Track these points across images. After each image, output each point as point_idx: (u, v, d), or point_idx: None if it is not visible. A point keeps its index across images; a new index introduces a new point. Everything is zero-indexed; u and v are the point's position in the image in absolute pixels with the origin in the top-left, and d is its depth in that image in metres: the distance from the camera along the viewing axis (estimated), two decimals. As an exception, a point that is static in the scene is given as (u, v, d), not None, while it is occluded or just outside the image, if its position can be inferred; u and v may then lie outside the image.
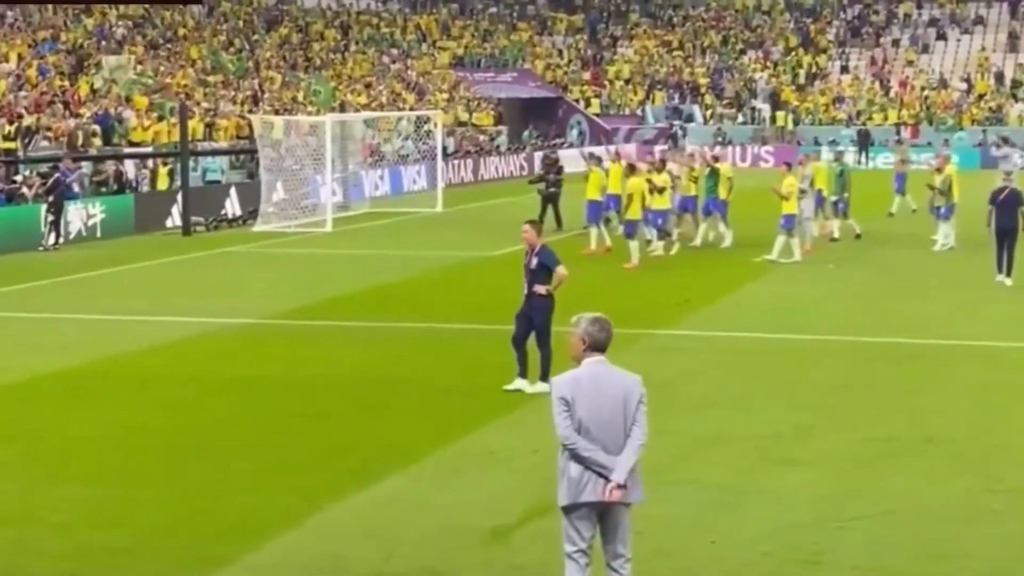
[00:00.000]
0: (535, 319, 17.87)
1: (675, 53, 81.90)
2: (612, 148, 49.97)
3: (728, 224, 34.63)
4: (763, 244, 33.84)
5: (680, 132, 73.09)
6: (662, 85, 79.08)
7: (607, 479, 9.18)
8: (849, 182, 36.19)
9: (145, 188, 43.10)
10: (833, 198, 35.56)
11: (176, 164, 43.09)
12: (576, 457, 9.20)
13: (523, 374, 18.05)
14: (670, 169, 33.67)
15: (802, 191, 32.72)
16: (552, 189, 38.90)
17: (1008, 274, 28.06)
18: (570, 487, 9.26)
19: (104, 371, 20.20)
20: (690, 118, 76.24)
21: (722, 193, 34.44)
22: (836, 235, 35.51)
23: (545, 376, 17.24)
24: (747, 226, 35.84)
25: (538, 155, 66.15)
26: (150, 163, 44.24)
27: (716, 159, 34.64)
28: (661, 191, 32.10)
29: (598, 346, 9.37)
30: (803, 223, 32.84)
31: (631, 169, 33.22)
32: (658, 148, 50.14)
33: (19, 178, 38.55)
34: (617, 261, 31.46)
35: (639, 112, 77.28)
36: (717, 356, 21.20)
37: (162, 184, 42.86)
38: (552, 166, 40.03)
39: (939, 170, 34.08)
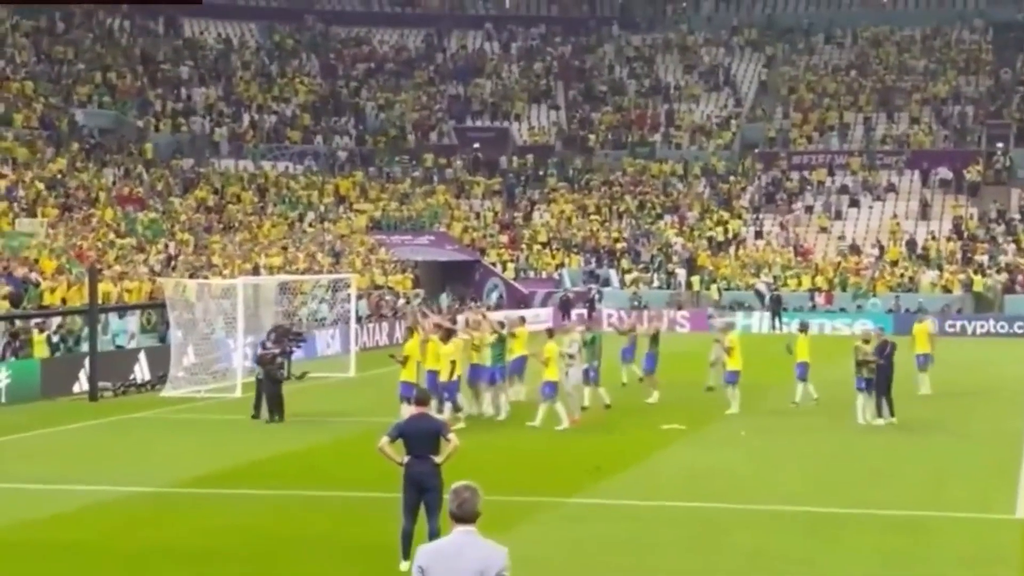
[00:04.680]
0: None
1: (592, 217, 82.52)
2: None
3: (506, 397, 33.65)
4: (673, 409, 33.84)
5: (598, 296, 73.30)
6: (579, 249, 79.56)
7: None
8: (600, 350, 35.03)
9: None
10: (584, 366, 33.61)
11: (51, 332, 42.24)
12: None
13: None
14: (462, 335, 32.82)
15: (570, 356, 31.98)
16: (283, 371, 35.15)
17: (892, 414, 32.00)
18: None
19: (5, 541, 19.64)
20: (607, 282, 76.55)
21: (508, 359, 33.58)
22: (586, 403, 33.85)
23: None
24: (664, 391, 35.91)
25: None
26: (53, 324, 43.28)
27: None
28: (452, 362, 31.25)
29: (457, 517, 9.34)
30: (571, 391, 31.97)
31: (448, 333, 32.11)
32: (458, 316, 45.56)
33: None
34: (514, 427, 31.20)
35: (556, 276, 77.49)
36: (631, 525, 20.91)
37: (39, 351, 41.00)
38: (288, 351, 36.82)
39: (867, 341, 33.16)
